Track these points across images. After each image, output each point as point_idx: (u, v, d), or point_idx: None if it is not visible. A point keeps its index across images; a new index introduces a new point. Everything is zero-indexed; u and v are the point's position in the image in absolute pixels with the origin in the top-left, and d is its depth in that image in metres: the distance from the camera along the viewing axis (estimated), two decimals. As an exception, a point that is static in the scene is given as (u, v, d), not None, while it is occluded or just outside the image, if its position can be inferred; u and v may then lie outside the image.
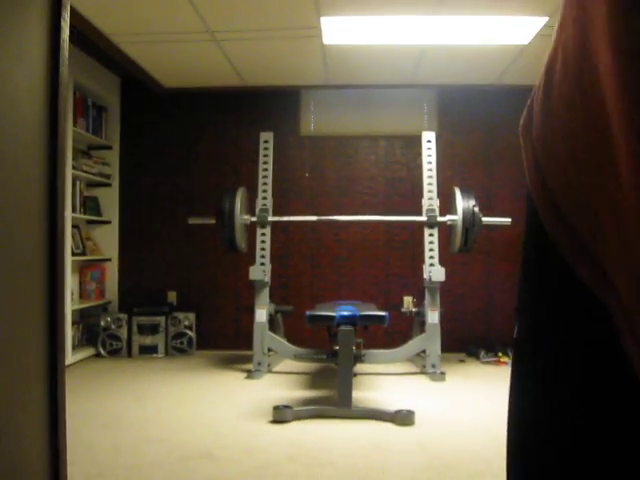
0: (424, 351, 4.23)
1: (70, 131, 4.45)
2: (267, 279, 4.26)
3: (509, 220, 4.30)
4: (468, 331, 5.05)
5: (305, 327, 3.84)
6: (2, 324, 1.01)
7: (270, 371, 4.31)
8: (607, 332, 0.38)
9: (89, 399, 3.51)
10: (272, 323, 4.40)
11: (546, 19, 3.59)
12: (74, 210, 4.73)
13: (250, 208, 4.47)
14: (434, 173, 4.41)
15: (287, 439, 2.83)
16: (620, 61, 0.33)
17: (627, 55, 0.32)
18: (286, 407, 3.14)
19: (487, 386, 3.92)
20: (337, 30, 3.81)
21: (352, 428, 3.01)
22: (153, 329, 4.93)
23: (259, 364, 4.17)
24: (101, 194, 5.26)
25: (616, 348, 0.37)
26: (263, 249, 4.32)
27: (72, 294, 4.79)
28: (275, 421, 3.07)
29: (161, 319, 4.95)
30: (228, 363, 4.65)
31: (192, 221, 4.53)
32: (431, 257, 4.25)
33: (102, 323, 4.90)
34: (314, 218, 4.66)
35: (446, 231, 4.42)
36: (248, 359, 4.40)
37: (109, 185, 5.26)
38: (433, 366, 4.15)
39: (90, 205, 5.13)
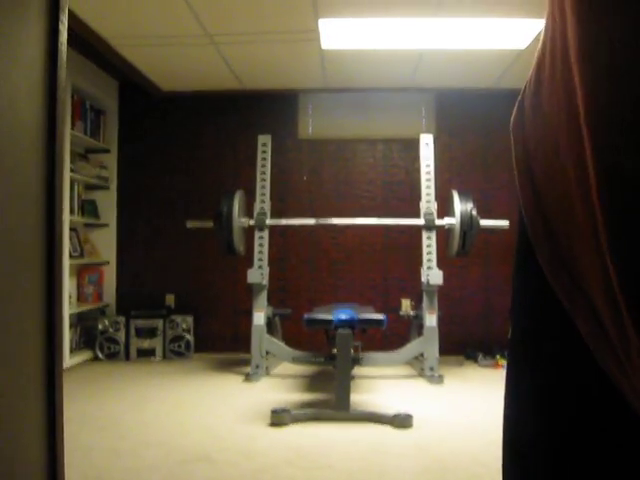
0: (422, 354, 4.23)
1: (68, 134, 4.46)
2: (265, 282, 4.26)
3: (507, 223, 4.30)
4: (466, 334, 5.05)
5: (303, 330, 3.84)
6: None
7: (268, 374, 4.30)
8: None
9: (87, 402, 3.50)
10: (270, 326, 4.40)
11: (544, 23, 3.60)
12: (72, 213, 4.73)
13: (248, 211, 4.47)
14: (432, 176, 4.41)
15: (285, 442, 2.82)
16: (578, 60, 0.33)
17: (585, 57, 0.32)
18: (284, 410, 3.13)
19: (485, 389, 3.92)
20: (335, 34, 3.82)
21: (350, 431, 3.00)
22: (151, 332, 4.92)
23: (257, 367, 4.17)
24: (99, 197, 5.26)
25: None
26: (261, 252, 4.31)
27: (70, 297, 4.79)
28: (273, 424, 3.07)
29: (159, 322, 4.95)
30: (226, 366, 4.64)
31: (190, 225, 4.52)
32: (429, 260, 4.25)
33: (100, 326, 4.89)
34: (312, 221, 4.66)
35: (444, 234, 4.42)
36: (246, 362, 4.39)
37: (107, 188, 5.26)
38: (431, 369, 4.14)
39: (88, 208, 5.13)
